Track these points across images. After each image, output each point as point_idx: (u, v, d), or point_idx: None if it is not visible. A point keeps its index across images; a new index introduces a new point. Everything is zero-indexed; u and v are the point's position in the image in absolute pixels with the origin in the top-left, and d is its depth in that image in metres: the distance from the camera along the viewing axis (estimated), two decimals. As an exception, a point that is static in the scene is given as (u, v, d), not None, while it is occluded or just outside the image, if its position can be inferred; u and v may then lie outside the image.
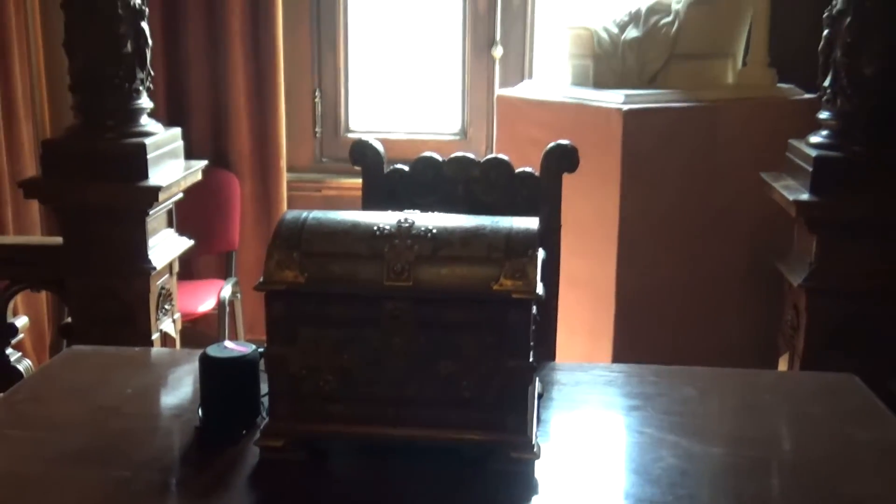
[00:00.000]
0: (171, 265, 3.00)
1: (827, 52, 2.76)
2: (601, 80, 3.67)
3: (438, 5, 4.72)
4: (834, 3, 2.73)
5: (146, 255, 2.82)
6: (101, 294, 2.83)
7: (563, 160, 2.39)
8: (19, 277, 2.95)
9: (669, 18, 3.70)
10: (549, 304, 2.29)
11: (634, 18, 3.74)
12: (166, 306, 2.98)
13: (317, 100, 4.78)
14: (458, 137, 4.78)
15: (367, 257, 1.64)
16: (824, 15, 2.76)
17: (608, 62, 3.70)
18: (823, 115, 2.81)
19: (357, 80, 4.84)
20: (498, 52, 4.64)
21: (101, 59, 2.76)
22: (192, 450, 1.75)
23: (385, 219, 1.71)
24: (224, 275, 4.59)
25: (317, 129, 4.81)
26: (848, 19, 2.66)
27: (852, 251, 2.73)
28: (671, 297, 3.61)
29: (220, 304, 4.32)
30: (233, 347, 1.82)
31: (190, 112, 4.56)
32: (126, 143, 2.78)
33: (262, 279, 1.64)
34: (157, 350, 2.77)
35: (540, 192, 2.38)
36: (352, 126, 4.87)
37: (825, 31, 2.76)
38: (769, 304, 3.18)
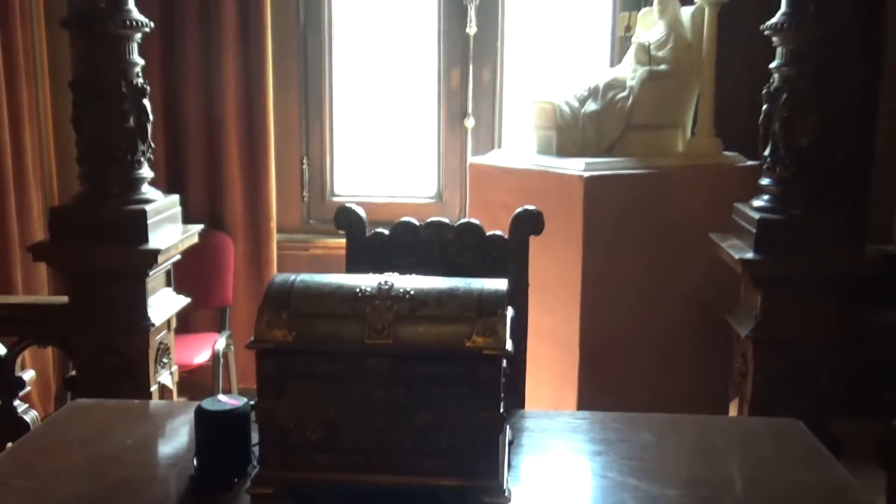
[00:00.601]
0: (169, 321, 2.98)
1: (766, 125, 2.79)
2: (564, 150, 3.70)
3: (416, 79, 4.76)
4: (771, 80, 2.76)
5: (146, 313, 2.80)
6: (103, 349, 2.80)
7: (529, 224, 2.40)
8: (27, 334, 2.92)
9: (625, 93, 3.74)
10: (518, 356, 2.29)
11: (593, 93, 3.78)
12: (164, 360, 2.96)
13: (304, 166, 4.79)
14: (434, 201, 4.80)
15: (351, 317, 1.65)
16: (763, 91, 2.79)
17: (570, 133, 3.72)
18: (765, 181, 2.82)
19: (341, 147, 4.85)
20: (470, 123, 4.67)
21: (105, 133, 2.76)
22: (187, 497, 1.73)
23: (367, 281, 1.71)
24: (219, 328, 4.56)
25: (304, 194, 4.82)
26: (784, 96, 2.69)
27: (794, 305, 2.74)
28: (631, 348, 3.61)
29: (215, 356, 4.29)
30: (226, 401, 1.81)
31: (188, 178, 4.55)
32: (128, 210, 2.77)
33: (253, 338, 1.64)
34: (155, 402, 2.74)
35: (509, 254, 2.39)
36: (336, 190, 4.87)
37: (764, 106, 2.78)
38: (720, 353, 3.18)
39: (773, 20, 2.70)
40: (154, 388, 2.87)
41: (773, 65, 2.76)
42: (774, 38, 2.73)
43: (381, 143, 4.88)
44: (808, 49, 2.66)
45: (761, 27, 2.75)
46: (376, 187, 4.87)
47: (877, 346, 2.85)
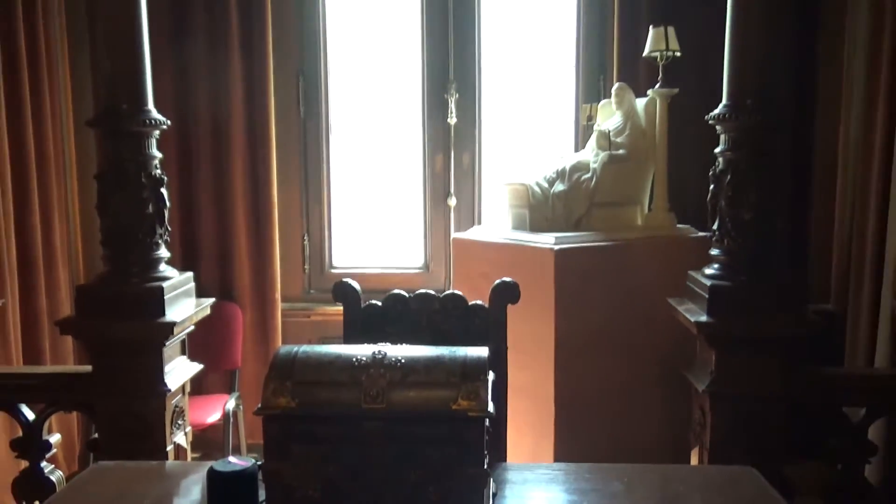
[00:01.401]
0: (183, 386, 2.95)
1: (714, 202, 2.80)
2: (536, 226, 3.72)
3: (405, 163, 4.80)
4: (717, 163, 2.79)
5: (163, 380, 2.78)
6: (123, 414, 2.76)
7: (507, 294, 2.41)
8: (54, 401, 2.88)
9: (589, 175, 3.77)
10: (500, 413, 2.28)
11: (560, 175, 3.82)
12: (179, 422, 2.92)
13: (305, 242, 4.80)
14: (422, 271, 4.80)
15: (348, 384, 1.65)
16: (710, 173, 2.81)
17: (541, 211, 3.75)
18: (714, 251, 2.83)
19: (339, 223, 4.87)
20: (452, 202, 4.70)
21: (126, 219, 2.76)
22: (200, 553, 1.70)
23: (362, 351, 1.72)
24: (229, 389, 4.51)
25: (306, 267, 4.82)
26: (728, 177, 2.72)
27: (744, 361, 2.73)
28: (601, 402, 3.59)
29: (226, 416, 4.23)
30: (235, 462, 1.79)
31: (202, 255, 4.56)
32: (147, 287, 2.76)
33: (260, 405, 1.63)
34: (170, 463, 2.69)
35: (489, 321, 2.39)
36: (335, 262, 4.87)
37: (711, 186, 2.81)
38: (681, 405, 3.17)
39: (717, 111, 2.74)
40: (170, 447, 2.83)
41: (717, 150, 2.79)
42: (718, 127, 2.77)
43: (374, 219, 4.89)
44: (747, 136, 2.69)
45: (706, 117, 2.79)
46: (370, 259, 4.87)
47: (820, 396, 2.85)
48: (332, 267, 4.85)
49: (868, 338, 3.54)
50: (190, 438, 3.04)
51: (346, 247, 4.89)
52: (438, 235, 4.73)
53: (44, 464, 2.89)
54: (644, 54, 3.98)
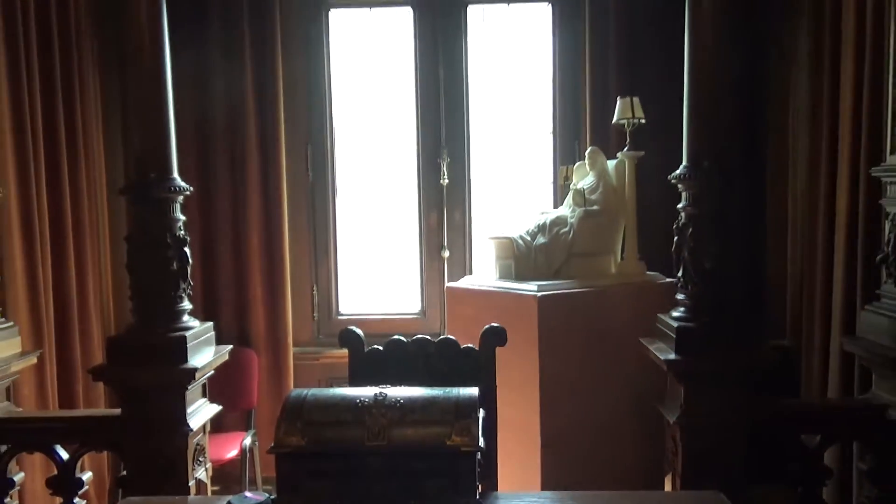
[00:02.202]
0: (204, 426, 2.92)
1: (678, 252, 2.80)
2: (520, 275, 3.72)
3: (403, 221, 4.83)
4: (679, 218, 2.80)
5: (185, 421, 2.75)
6: (149, 452, 2.73)
7: (495, 338, 2.42)
8: (87, 442, 2.86)
9: (566, 229, 3.79)
10: (491, 446, 2.27)
11: (542, 229, 3.84)
12: (200, 458, 2.89)
13: (314, 292, 4.80)
14: (419, 316, 4.80)
15: (353, 423, 1.65)
16: (674, 226, 2.82)
17: (525, 261, 3.76)
18: (680, 296, 2.82)
19: (344, 274, 4.87)
20: (446, 254, 4.72)
21: (153, 275, 2.76)
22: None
23: (365, 393, 1.72)
24: (246, 427, 4.47)
25: (315, 314, 4.81)
26: (690, 230, 2.73)
27: (710, 394, 2.70)
28: (583, 434, 3.56)
29: (243, 452, 4.19)
30: (250, 496, 1.77)
31: (221, 305, 4.55)
32: (171, 337, 2.75)
33: (273, 444, 1.63)
34: (192, 498, 2.66)
35: (480, 362, 2.39)
36: (341, 310, 4.86)
37: (675, 237, 2.81)
38: (655, 436, 3.15)
39: (677, 172, 2.76)
40: (192, 483, 2.79)
41: (679, 206, 2.80)
42: (679, 186, 2.79)
43: (376, 270, 4.90)
44: (705, 194, 2.71)
45: (668, 177, 2.82)
46: (373, 306, 4.87)
47: (780, 424, 2.84)
48: (338, 314, 4.84)
49: (821, 370, 3.54)
50: (210, 474, 3.01)
51: (351, 295, 4.88)
52: (434, 284, 4.73)
53: (77, 500, 2.85)
54: (613, 121, 4.04)
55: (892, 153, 2.75)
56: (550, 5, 4.65)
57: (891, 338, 2.66)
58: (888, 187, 2.77)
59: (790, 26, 4.00)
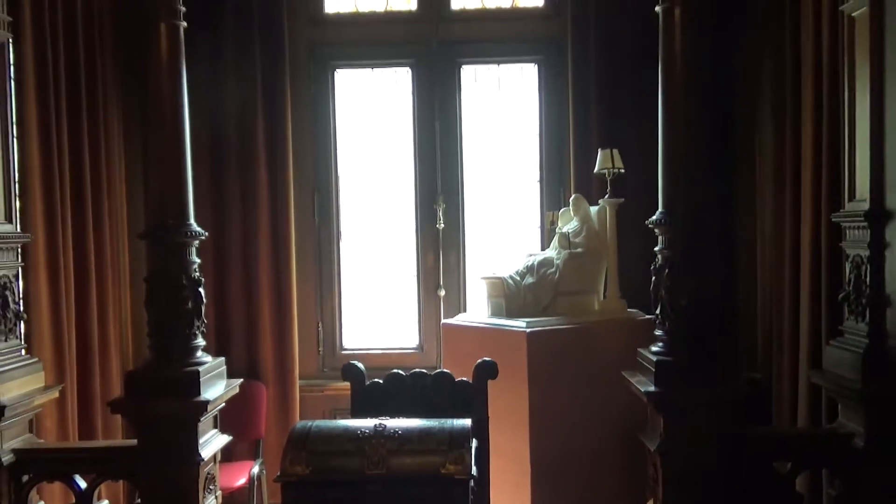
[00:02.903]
0: (215, 456, 2.90)
1: (656, 291, 2.81)
2: (511, 312, 3.73)
3: (401, 262, 4.83)
4: (657, 260, 2.81)
5: (197, 451, 2.73)
6: (163, 481, 2.71)
7: (487, 371, 2.42)
8: (104, 471, 2.83)
9: (553, 269, 3.82)
10: (483, 473, 2.25)
11: (530, 270, 3.86)
12: (210, 487, 2.86)
13: (320, 328, 4.78)
14: (417, 351, 4.77)
15: (354, 453, 1.65)
16: (651, 267, 2.84)
17: (514, 300, 3.77)
18: (658, 332, 2.82)
19: (348, 311, 4.85)
20: (442, 293, 4.72)
21: (169, 314, 2.77)
22: None
23: (365, 424, 1.72)
24: (254, 456, 4.41)
25: (320, 349, 4.78)
26: (666, 271, 2.75)
27: (687, 424, 2.70)
28: (570, 462, 3.54)
29: (251, 480, 4.14)
30: (259, 522, 1.75)
31: (232, 340, 4.52)
32: (185, 372, 2.74)
33: (279, 473, 1.62)
34: (203, 523, 2.63)
35: (473, 394, 2.39)
36: (344, 345, 4.83)
37: (653, 278, 2.82)
38: (638, 463, 3.13)
39: (654, 217, 2.79)
40: (203, 510, 2.77)
41: (657, 248, 2.82)
42: (656, 230, 2.81)
43: (377, 308, 4.87)
44: (680, 237, 2.73)
45: (646, 222, 2.84)
46: (374, 341, 4.83)
47: (753, 452, 2.82)
48: (342, 348, 4.81)
49: (790, 401, 3.53)
50: (220, 501, 2.97)
51: (354, 331, 4.86)
52: (431, 321, 4.71)
53: (94, 526, 2.82)
54: (595, 171, 4.08)
55: (849, 200, 2.79)
56: (536, 65, 4.73)
57: (854, 371, 2.66)
58: (847, 231, 2.80)
59: (755, 89, 4.07)
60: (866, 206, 2.64)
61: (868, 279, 2.66)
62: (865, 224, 2.65)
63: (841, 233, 2.84)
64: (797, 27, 3.48)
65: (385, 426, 1.68)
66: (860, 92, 2.68)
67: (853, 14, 2.70)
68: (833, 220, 2.91)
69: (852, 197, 2.77)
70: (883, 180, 2.61)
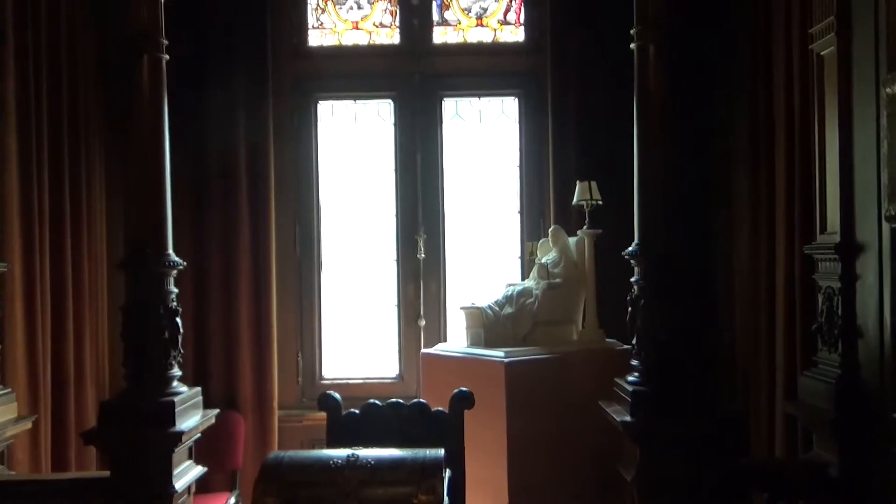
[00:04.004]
0: (189, 488, 2.85)
1: (632, 321, 2.82)
2: (490, 342, 3.73)
3: (382, 292, 4.83)
4: (633, 290, 2.83)
5: (171, 482, 2.68)
6: (136, 513, 2.67)
7: (463, 402, 2.42)
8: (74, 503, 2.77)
9: (532, 300, 3.83)
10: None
11: (509, 300, 3.87)
12: (184, 519, 2.81)
13: (299, 358, 4.75)
14: (397, 381, 4.75)
15: (326, 484, 1.63)
16: (627, 297, 2.85)
17: (494, 330, 3.77)
18: (634, 362, 2.82)
19: (328, 342, 4.82)
20: (422, 322, 4.71)
21: (146, 343, 2.74)
22: None
23: (339, 454, 1.71)
24: (231, 487, 4.35)
25: (299, 379, 4.74)
26: (642, 301, 2.76)
27: (664, 454, 2.68)
28: (548, 491, 3.51)
29: (227, 512, 4.08)
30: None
31: (211, 370, 4.48)
32: (160, 402, 2.71)
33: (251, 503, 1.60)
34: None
35: (449, 425, 2.38)
36: (324, 375, 4.80)
37: (629, 308, 2.84)
38: (616, 493, 3.09)
39: (630, 249, 2.81)
40: (176, 543, 2.72)
41: (633, 279, 2.84)
42: (632, 261, 2.83)
43: (358, 337, 4.85)
44: (655, 269, 2.75)
45: (622, 253, 2.86)
46: (354, 370, 4.81)
47: (730, 483, 2.81)
48: (322, 378, 4.78)
49: (767, 431, 3.54)
50: (194, 533, 2.92)
51: (334, 361, 4.83)
52: (411, 350, 4.69)
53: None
54: (573, 203, 4.12)
55: (821, 233, 2.82)
56: (517, 98, 4.79)
57: (827, 401, 2.67)
58: (819, 263, 2.83)
59: (730, 123, 4.14)
60: (837, 238, 2.68)
61: (840, 310, 2.68)
62: (836, 256, 2.68)
63: (814, 264, 2.87)
64: (770, 65, 3.57)
65: (358, 456, 1.67)
66: (829, 126, 2.73)
67: (822, 53, 2.77)
68: (805, 252, 2.94)
69: (824, 229, 2.80)
70: (853, 213, 2.65)
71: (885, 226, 2.45)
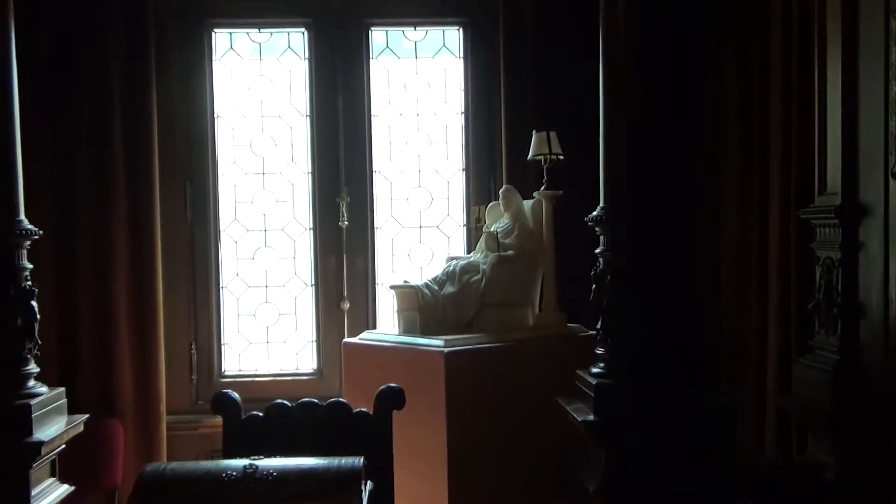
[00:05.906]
0: (52, 511, 2.81)
1: (597, 301, 2.85)
2: (426, 329, 3.74)
3: (296, 268, 4.79)
4: (597, 264, 2.86)
5: (28, 505, 2.64)
6: (-17, 544, 2.61)
7: (391, 400, 2.43)
8: None
9: (478, 276, 3.84)
10: (386, 524, 2.25)
11: (450, 277, 3.88)
12: (47, 550, 2.77)
13: (193, 351, 4.70)
14: (315, 377, 4.74)
15: (217, 500, 1.62)
16: (591, 273, 2.88)
17: (431, 313, 3.78)
18: (599, 350, 2.87)
19: (229, 331, 4.79)
20: (346, 305, 4.70)
21: (-8, 334, 2.68)
22: None
23: (234, 465, 1.70)
24: (108, 511, 4.30)
25: (193, 376, 4.70)
26: (608, 276, 2.79)
27: (635, 459, 2.73)
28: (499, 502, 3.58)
29: (103, 540, 4.03)
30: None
31: (80, 368, 4.39)
32: (13, 406, 2.65)
33: (122, 528, 1.58)
34: None
35: (374, 428, 2.39)
36: (225, 371, 4.76)
37: (593, 286, 2.86)
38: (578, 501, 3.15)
39: (594, 213, 2.83)
40: (36, 579, 2.67)
41: (597, 250, 2.86)
42: (596, 228, 2.86)
43: (267, 324, 4.83)
44: (625, 238, 2.78)
45: (585, 219, 2.88)
46: (263, 365, 4.79)
47: (711, 489, 2.89)
48: (221, 375, 4.74)
49: (758, 427, 3.64)
50: (59, 567, 2.88)
51: (237, 354, 4.80)
52: (332, 340, 4.69)
53: None
54: (528, 158, 4.14)
55: (819, 194, 2.88)
56: (461, 29, 4.77)
57: (824, 393, 2.75)
58: (817, 230, 2.88)
59: (717, 72, 4.19)
60: (838, 199, 2.73)
61: (840, 285, 2.75)
62: (836, 221, 2.74)
63: (811, 232, 2.93)
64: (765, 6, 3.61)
65: (257, 467, 1.66)
66: (832, 66, 2.78)
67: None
68: (802, 216, 2.99)
69: (823, 190, 2.85)
70: (857, 169, 2.70)
71: (893, 184, 2.50)
